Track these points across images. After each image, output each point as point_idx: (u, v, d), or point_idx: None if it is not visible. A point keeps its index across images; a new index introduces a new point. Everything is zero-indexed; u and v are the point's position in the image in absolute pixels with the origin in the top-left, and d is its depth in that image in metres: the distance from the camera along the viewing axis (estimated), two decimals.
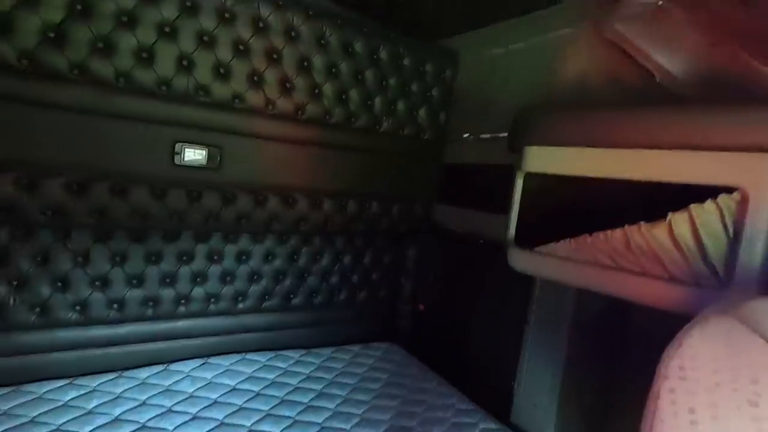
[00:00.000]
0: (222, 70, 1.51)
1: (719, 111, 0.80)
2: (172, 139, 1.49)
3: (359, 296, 2.23)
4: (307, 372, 1.84)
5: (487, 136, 1.90)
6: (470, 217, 1.96)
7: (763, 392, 0.37)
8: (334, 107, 1.76)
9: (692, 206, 0.81)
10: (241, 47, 1.53)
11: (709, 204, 0.80)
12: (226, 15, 1.49)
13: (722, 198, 0.78)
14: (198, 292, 1.78)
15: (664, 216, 0.84)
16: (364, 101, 1.82)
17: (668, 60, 1.21)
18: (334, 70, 1.72)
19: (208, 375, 1.70)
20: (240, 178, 1.64)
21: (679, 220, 0.83)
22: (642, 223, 0.88)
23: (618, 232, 0.91)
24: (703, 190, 0.80)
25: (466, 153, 2.02)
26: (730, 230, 0.77)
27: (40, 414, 1.33)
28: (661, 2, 1.18)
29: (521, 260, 1.09)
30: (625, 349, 1.28)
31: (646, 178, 0.87)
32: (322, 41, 1.67)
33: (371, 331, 2.28)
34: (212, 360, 1.78)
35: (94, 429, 1.31)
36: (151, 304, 1.69)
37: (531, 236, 1.10)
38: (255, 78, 1.57)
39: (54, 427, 1.29)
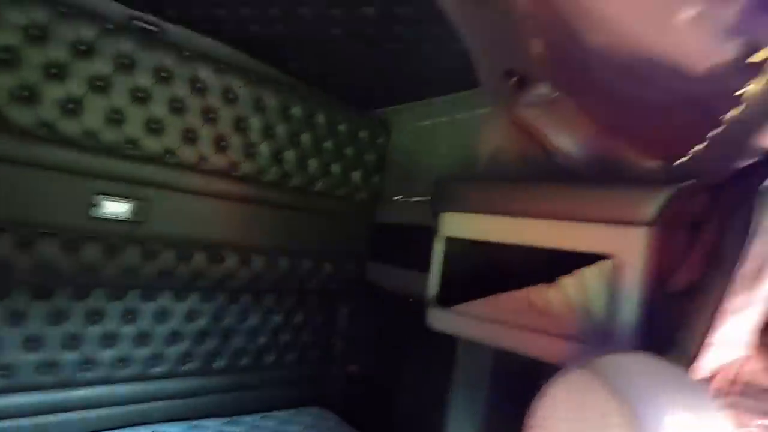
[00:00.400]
0: (154, 126, 1.52)
1: (598, 188, 0.94)
2: (93, 190, 1.44)
3: (288, 358, 2.15)
4: None
5: (417, 199, 2.02)
6: (401, 276, 2.02)
7: None
8: (270, 166, 1.80)
9: (580, 270, 0.92)
10: (176, 105, 1.55)
11: (592, 269, 0.91)
12: (164, 74, 1.52)
13: (602, 264, 0.90)
14: (107, 355, 1.64)
15: (558, 279, 0.95)
16: (299, 162, 1.88)
17: (564, 142, 1.40)
18: (270, 131, 1.78)
19: None
20: (166, 233, 1.60)
21: (569, 283, 0.93)
22: (541, 284, 0.97)
23: (522, 293, 1.00)
24: (587, 257, 0.92)
25: (397, 214, 2.12)
26: (610, 294, 0.88)
27: None
28: (556, 94, 1.37)
29: (439, 319, 1.14)
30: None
31: (542, 244, 0.98)
32: (261, 104, 1.74)
33: (301, 396, 2.18)
34: None
35: None
36: (48, 369, 1.52)
37: (449, 296, 1.16)
38: (189, 135, 1.59)
39: None
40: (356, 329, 2.28)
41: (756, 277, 0.61)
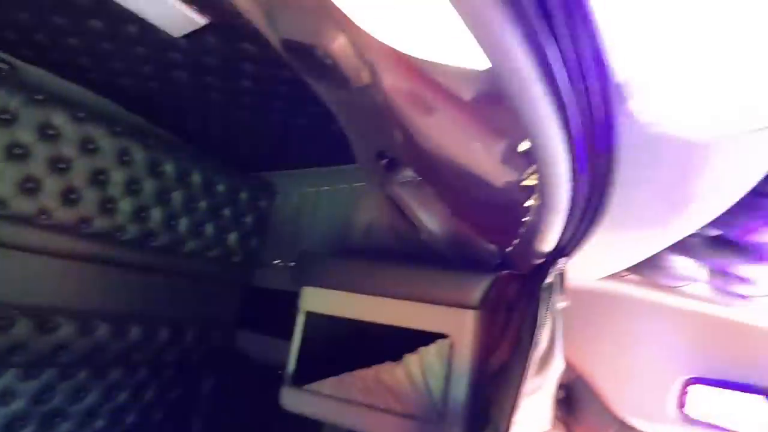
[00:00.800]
0: None
1: (434, 271, 1.04)
2: None
3: None
4: None
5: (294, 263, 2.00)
6: (275, 345, 1.92)
7: None
8: (129, 224, 1.65)
9: (421, 349, 0.98)
10: (16, 151, 1.38)
11: (431, 347, 0.97)
12: (7, 116, 1.36)
13: (439, 343, 0.97)
14: None
15: (402, 357, 0.99)
16: (166, 221, 1.75)
17: (428, 221, 1.52)
18: (135, 186, 1.66)
19: None
20: None
21: (412, 361, 0.98)
22: (388, 362, 1.00)
23: (371, 370, 1.02)
24: (428, 336, 0.98)
25: (275, 278, 2.06)
26: (445, 371, 0.94)
27: None
28: (419, 178, 1.51)
29: (291, 399, 1.10)
30: None
31: (391, 322, 1.03)
32: (126, 158, 1.62)
33: None
34: None
35: None
36: None
37: (309, 373, 1.13)
38: (29, 184, 1.41)
39: None
40: (221, 404, 2.07)
41: (543, 363, 0.71)
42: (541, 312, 0.66)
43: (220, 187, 1.95)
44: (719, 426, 0.86)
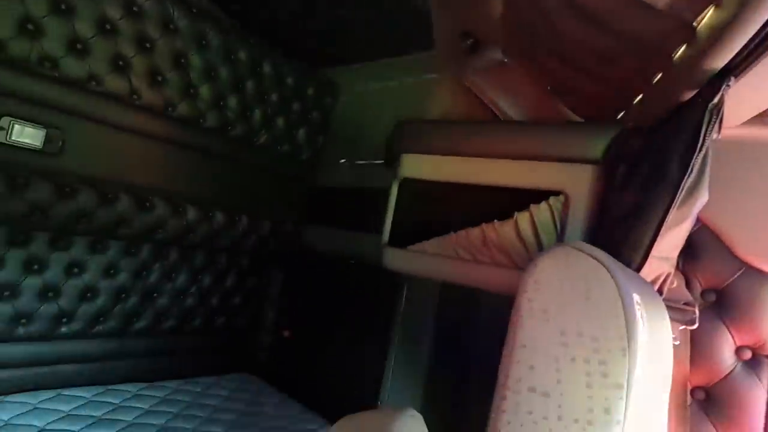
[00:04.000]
0: (79, 45, 1.33)
1: (551, 128, 1.02)
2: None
3: (217, 322, 2.04)
4: (146, 407, 1.57)
5: (363, 162, 2.02)
6: (342, 238, 2.01)
7: (592, 288, 0.48)
8: (209, 111, 1.67)
9: (532, 206, 0.99)
10: (107, 26, 1.38)
11: (543, 204, 0.99)
12: None
13: (552, 200, 0.98)
14: (3, 310, 1.42)
15: (512, 215, 1.01)
16: (242, 110, 1.77)
17: (509, 106, 1.48)
18: (213, 73, 1.66)
19: (4, 417, 1.32)
20: (85, 170, 1.42)
21: (522, 218, 1.00)
22: (495, 221, 1.03)
23: (476, 230, 1.05)
24: (539, 194, 0.99)
25: (341, 176, 2.10)
26: (558, 225, 0.96)
27: None
28: (505, 60, 1.45)
29: (395, 259, 1.16)
30: (477, 352, 1.42)
31: (498, 183, 1.04)
32: (203, 42, 1.61)
33: (227, 361, 2.08)
34: (12, 398, 1.40)
35: None
36: None
37: (404, 238, 1.18)
38: (120, 62, 1.42)
39: None
40: (290, 293, 2.22)
41: (690, 194, 0.71)
42: (705, 134, 0.65)
43: (289, 81, 1.93)
44: None
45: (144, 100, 1.50)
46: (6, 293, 1.42)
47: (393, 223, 1.20)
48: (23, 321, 1.47)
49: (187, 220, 1.69)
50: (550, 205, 0.98)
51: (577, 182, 0.94)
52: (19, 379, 1.47)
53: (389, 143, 1.24)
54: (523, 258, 0.98)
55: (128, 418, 1.47)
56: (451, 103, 1.70)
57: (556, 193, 0.97)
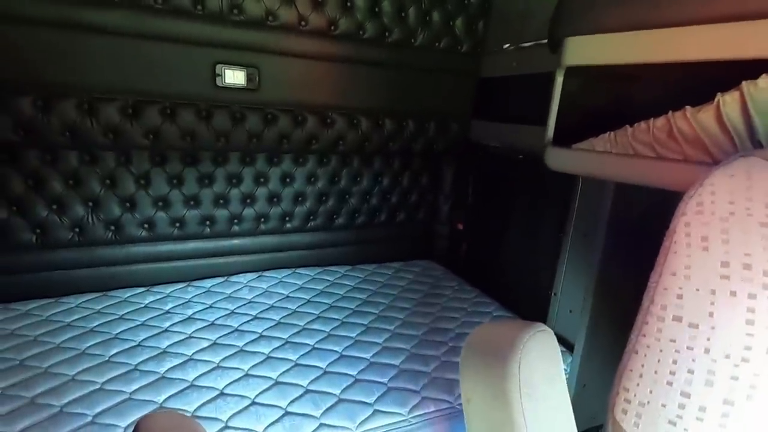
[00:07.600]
0: None
1: None
2: (212, 60, 1.53)
3: (398, 217, 2.30)
4: (353, 284, 1.98)
5: (528, 44, 1.80)
6: (508, 132, 1.93)
7: None
8: (367, 20, 1.71)
9: (744, 83, 0.77)
10: None
11: (762, 79, 0.75)
12: None
13: None
14: (248, 212, 1.91)
15: (711, 98, 0.80)
16: (397, 12, 1.76)
17: None
18: None
19: (264, 285, 1.87)
20: (278, 98, 1.69)
21: (728, 100, 0.79)
22: (687, 107, 0.84)
23: (661, 120, 0.88)
24: (756, 66, 0.75)
25: (504, 64, 1.94)
26: None
27: (126, 312, 1.55)
28: None
29: (559, 159, 1.08)
30: (652, 251, 1.28)
31: (693, 57, 0.82)
32: None
33: (411, 250, 2.37)
34: (266, 273, 1.95)
35: (172, 324, 1.51)
36: (208, 223, 1.84)
37: (570, 135, 1.08)
38: None
39: (139, 323, 1.50)
40: (461, 188, 2.31)
41: None
42: None
43: None
44: None
45: (311, 24, 1.63)
46: (248, 201, 1.90)
47: (557, 118, 1.09)
48: (262, 220, 1.96)
49: (361, 130, 1.88)
50: None
51: None
52: (266, 261, 2.02)
53: (552, 25, 1.07)
54: (726, 151, 0.80)
55: (340, 292, 1.89)
56: None
57: None
